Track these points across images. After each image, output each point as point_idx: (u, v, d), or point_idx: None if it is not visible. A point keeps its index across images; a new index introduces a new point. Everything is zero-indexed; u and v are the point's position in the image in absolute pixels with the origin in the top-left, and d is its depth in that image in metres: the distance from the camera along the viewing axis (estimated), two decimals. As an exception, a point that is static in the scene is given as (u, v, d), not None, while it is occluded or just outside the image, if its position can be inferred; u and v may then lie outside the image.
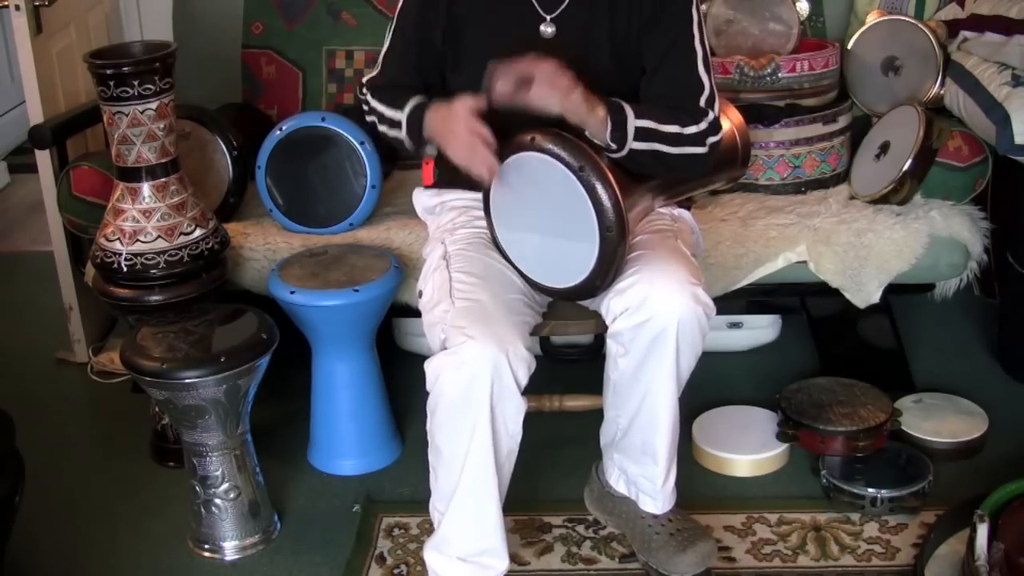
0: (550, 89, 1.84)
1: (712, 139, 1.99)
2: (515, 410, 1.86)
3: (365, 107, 2.15)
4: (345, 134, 2.54)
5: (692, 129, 1.96)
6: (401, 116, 2.02)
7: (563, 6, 2.01)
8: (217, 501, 2.19)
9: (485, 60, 2.02)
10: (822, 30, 2.96)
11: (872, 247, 2.44)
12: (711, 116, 1.99)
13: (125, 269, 2.33)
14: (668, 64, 2.00)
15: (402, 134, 2.03)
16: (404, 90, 2.07)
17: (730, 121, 2.35)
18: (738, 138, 2.32)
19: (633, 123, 1.89)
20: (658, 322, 1.86)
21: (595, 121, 1.88)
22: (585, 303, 2.06)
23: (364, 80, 2.17)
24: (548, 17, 2.02)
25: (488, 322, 1.84)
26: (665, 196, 2.12)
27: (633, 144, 1.90)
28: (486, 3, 2.03)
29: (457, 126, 1.90)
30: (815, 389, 2.47)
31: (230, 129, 2.66)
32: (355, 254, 2.45)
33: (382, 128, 2.10)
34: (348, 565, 2.17)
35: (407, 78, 2.09)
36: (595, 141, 1.91)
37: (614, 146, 1.90)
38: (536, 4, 2.02)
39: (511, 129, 1.91)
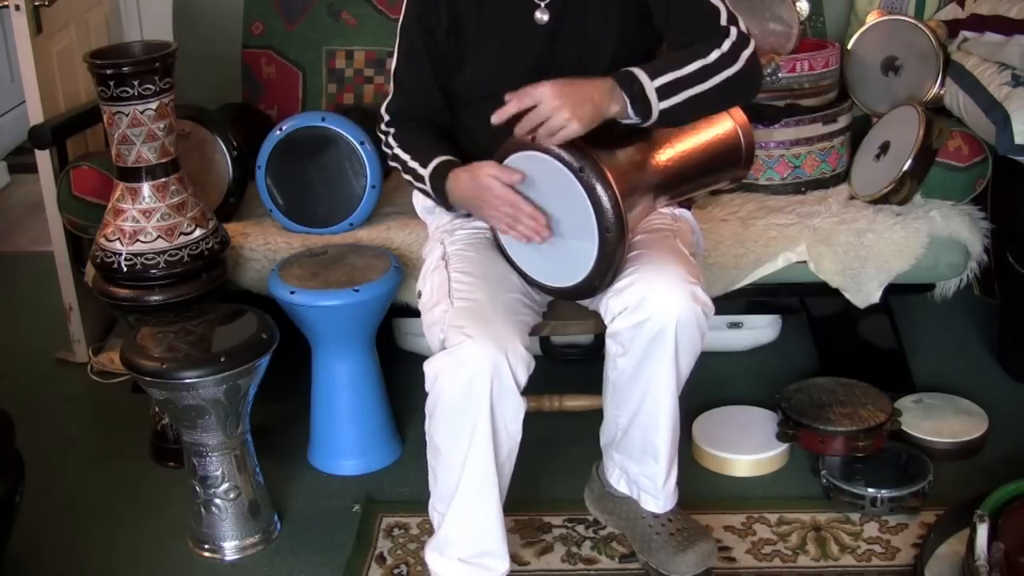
0: (554, 134, 1.82)
1: (745, 52, 1.93)
2: (515, 410, 1.86)
3: (386, 148, 2.13)
4: (345, 134, 2.54)
5: (715, 55, 1.90)
6: (424, 172, 2.01)
7: None
8: (217, 501, 2.19)
9: (486, 54, 2.03)
10: (822, 30, 2.96)
11: (872, 247, 2.44)
12: (735, 32, 1.93)
13: (125, 269, 2.32)
14: (677, 6, 1.96)
15: (427, 188, 2.03)
16: (427, 138, 2.06)
17: (733, 121, 2.34)
18: (742, 138, 2.32)
19: (651, 86, 1.86)
20: (657, 321, 1.86)
21: (616, 110, 1.86)
22: (584, 303, 2.06)
23: (382, 110, 2.14)
24: (542, 4, 2.01)
25: (487, 322, 1.84)
26: (666, 197, 2.12)
27: (662, 105, 1.87)
28: None
29: (489, 197, 1.90)
30: (815, 389, 2.47)
31: (230, 129, 2.66)
32: (355, 254, 2.45)
33: (407, 177, 2.08)
34: (348, 565, 2.17)
35: (425, 90, 2.08)
36: (624, 123, 1.89)
37: (639, 119, 1.88)
38: None
39: (511, 129, 1.91)
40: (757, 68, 1.97)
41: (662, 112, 1.87)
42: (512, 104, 1.83)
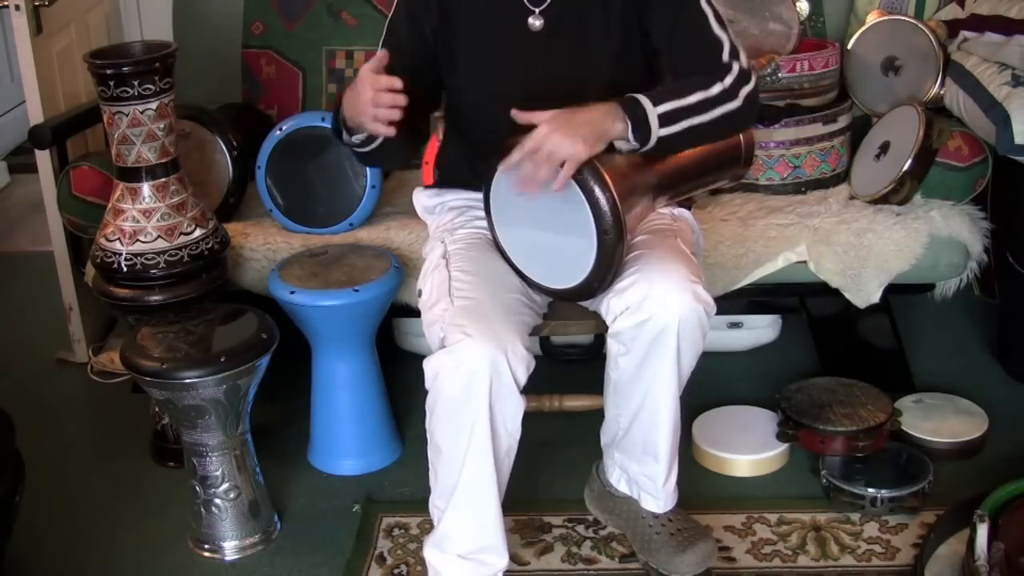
0: (550, 166, 1.80)
1: (746, 88, 1.93)
2: (514, 409, 1.86)
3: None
4: (345, 134, 2.54)
5: (717, 88, 1.91)
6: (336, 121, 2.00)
7: None
8: (217, 501, 2.19)
9: (477, 59, 2.02)
10: (822, 30, 2.96)
11: (872, 247, 2.44)
12: (736, 68, 1.93)
13: (125, 269, 2.33)
14: (680, 34, 1.96)
15: (349, 139, 1.99)
16: None
17: None
18: (741, 136, 2.32)
19: (654, 112, 1.86)
20: (659, 321, 1.86)
21: (618, 134, 1.86)
22: (584, 303, 2.06)
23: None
24: (536, 10, 2.01)
25: (486, 320, 1.84)
26: (666, 197, 2.12)
27: (661, 132, 1.87)
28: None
29: (362, 87, 1.85)
30: (815, 389, 2.47)
31: (230, 129, 2.66)
32: (355, 254, 2.45)
33: (358, 150, 2.03)
34: (348, 565, 2.17)
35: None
36: (623, 148, 1.89)
37: (637, 145, 1.88)
38: None
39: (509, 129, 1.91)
40: (755, 104, 1.97)
41: (660, 139, 1.88)
42: (516, 155, 1.81)
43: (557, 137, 1.79)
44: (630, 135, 1.86)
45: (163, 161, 2.32)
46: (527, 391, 1.88)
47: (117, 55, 2.29)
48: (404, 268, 2.43)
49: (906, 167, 2.45)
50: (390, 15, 2.09)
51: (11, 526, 2.04)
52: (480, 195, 2.03)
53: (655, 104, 1.86)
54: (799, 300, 2.98)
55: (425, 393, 1.86)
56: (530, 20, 2.00)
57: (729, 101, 1.92)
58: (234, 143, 2.64)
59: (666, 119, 1.87)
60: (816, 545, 2.19)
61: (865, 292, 2.47)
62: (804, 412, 2.37)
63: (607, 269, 1.89)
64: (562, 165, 1.81)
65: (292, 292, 2.30)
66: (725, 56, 1.95)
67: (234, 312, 2.30)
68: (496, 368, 1.80)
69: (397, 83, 1.83)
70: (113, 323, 3.08)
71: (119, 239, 2.33)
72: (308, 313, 2.32)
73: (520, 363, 1.83)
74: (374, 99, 1.83)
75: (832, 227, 2.48)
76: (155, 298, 2.34)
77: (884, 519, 2.24)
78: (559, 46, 2.00)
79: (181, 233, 2.34)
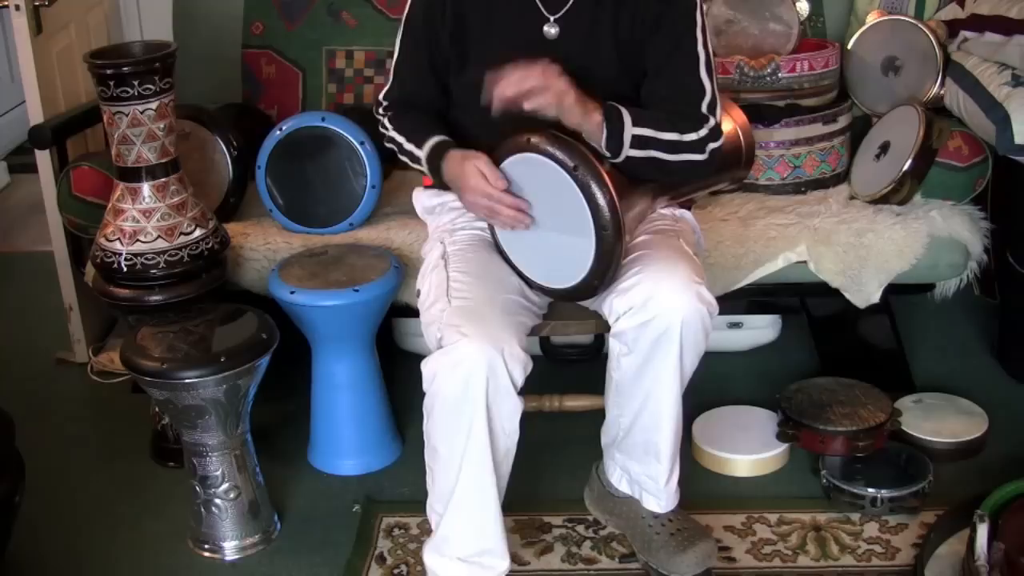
0: (545, 93, 1.84)
1: (712, 145, 1.99)
2: (511, 409, 1.86)
3: (382, 129, 2.16)
4: (345, 134, 2.54)
5: (691, 136, 1.96)
6: (420, 154, 2.05)
7: (567, 7, 2.01)
8: (217, 501, 2.19)
9: (489, 62, 2.02)
10: (822, 30, 2.96)
11: (872, 247, 2.44)
12: (712, 122, 1.99)
13: (125, 269, 2.32)
14: (669, 68, 1.99)
15: (424, 170, 2.07)
16: (421, 120, 2.09)
17: (734, 121, 2.34)
18: (742, 139, 2.32)
19: (630, 131, 1.89)
20: (662, 321, 1.86)
21: (591, 127, 1.88)
22: (585, 303, 2.06)
23: (380, 97, 2.17)
24: (552, 18, 2.01)
25: (483, 321, 1.84)
26: (666, 197, 2.12)
27: (630, 151, 1.90)
28: (489, 3, 2.03)
29: (469, 187, 1.93)
30: (815, 389, 2.47)
31: (230, 129, 2.66)
32: (355, 254, 2.45)
33: (403, 158, 2.12)
34: (348, 565, 2.17)
35: (423, 82, 2.10)
36: (592, 145, 1.91)
37: (608, 154, 1.90)
38: (540, 5, 2.02)
39: (508, 130, 1.91)
40: (716, 160, 2.01)
41: (627, 158, 1.91)
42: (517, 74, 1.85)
43: (553, 84, 1.83)
44: (603, 142, 1.89)
45: (163, 161, 2.32)
46: (527, 391, 1.88)
47: (117, 55, 2.29)
48: (404, 268, 2.43)
49: (906, 167, 2.45)
50: (405, 11, 2.11)
51: (11, 526, 2.04)
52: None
53: (634, 124, 1.90)
54: (799, 300, 2.98)
55: (424, 394, 1.86)
56: (545, 28, 2.01)
57: (696, 152, 1.97)
58: (234, 143, 2.64)
59: (637, 142, 1.91)
60: (816, 545, 2.19)
61: (865, 292, 2.47)
62: (804, 412, 2.37)
63: (606, 268, 1.89)
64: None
65: (292, 292, 2.30)
66: (704, 107, 1.99)
67: (234, 312, 2.30)
68: (492, 369, 1.80)
69: (504, 192, 1.93)
70: (113, 323, 3.08)
71: (119, 239, 2.33)
72: (308, 313, 2.32)
73: (517, 364, 1.83)
74: (497, 203, 1.92)
75: (832, 227, 2.47)
76: (155, 298, 2.34)
77: (884, 519, 2.24)
78: (570, 55, 2.00)
79: (181, 233, 2.34)
